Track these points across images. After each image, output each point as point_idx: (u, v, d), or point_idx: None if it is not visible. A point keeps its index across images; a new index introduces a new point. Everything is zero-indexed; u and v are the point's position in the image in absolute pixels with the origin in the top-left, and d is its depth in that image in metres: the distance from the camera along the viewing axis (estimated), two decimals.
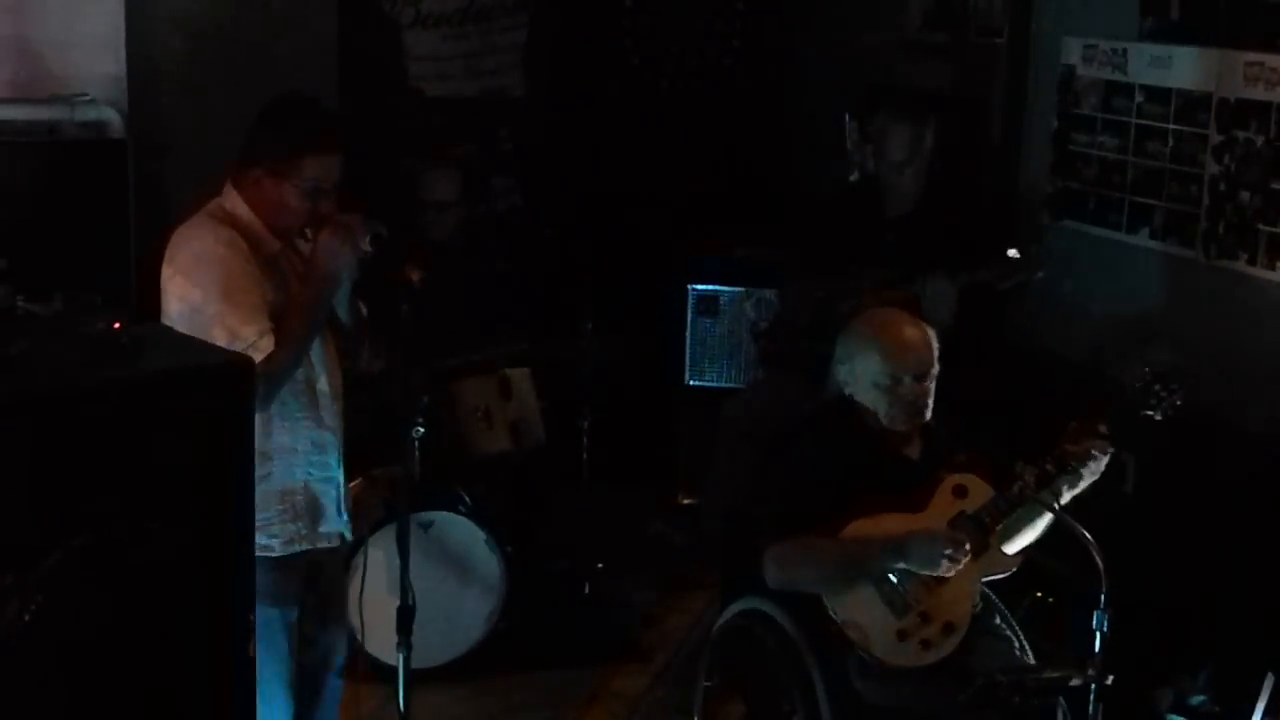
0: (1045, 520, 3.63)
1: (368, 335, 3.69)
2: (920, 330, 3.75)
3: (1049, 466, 3.56)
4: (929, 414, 3.72)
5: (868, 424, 3.74)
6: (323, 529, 3.61)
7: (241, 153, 3.49)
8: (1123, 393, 3.68)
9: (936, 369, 3.72)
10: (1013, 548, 3.66)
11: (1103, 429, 3.62)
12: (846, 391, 3.77)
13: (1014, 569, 3.68)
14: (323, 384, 3.57)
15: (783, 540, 3.63)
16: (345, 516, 3.69)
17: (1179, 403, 3.62)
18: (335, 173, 3.45)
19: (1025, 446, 3.64)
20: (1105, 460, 3.62)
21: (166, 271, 3.41)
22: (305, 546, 3.57)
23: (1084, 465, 3.58)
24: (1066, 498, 3.58)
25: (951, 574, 3.53)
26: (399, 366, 3.60)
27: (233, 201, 3.47)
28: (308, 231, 3.43)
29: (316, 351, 3.51)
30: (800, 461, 3.75)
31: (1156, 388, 3.62)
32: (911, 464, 3.73)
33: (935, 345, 3.74)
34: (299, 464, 3.54)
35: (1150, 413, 3.63)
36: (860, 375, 3.73)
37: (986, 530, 3.58)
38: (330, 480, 3.63)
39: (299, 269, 3.49)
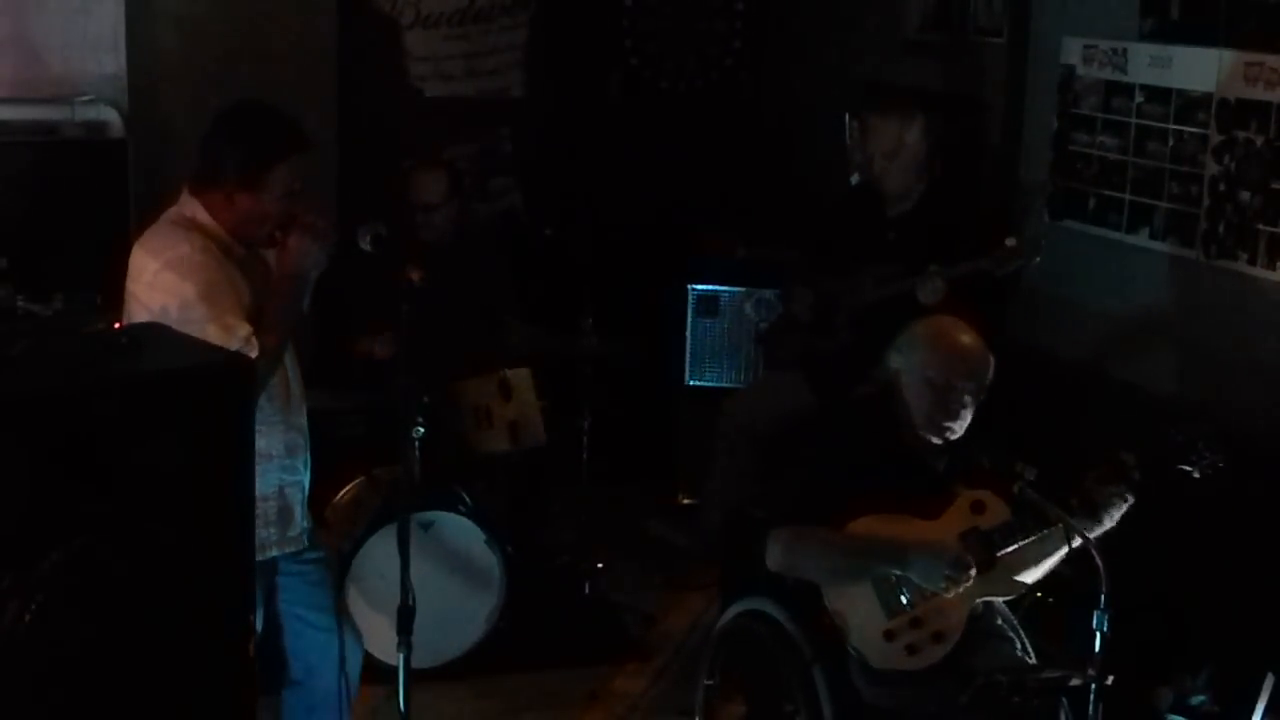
0: (1058, 555, 3.58)
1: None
2: (982, 348, 3.69)
3: (1072, 502, 3.52)
4: (957, 434, 3.67)
5: (900, 424, 3.70)
6: (290, 533, 3.61)
7: (205, 170, 3.46)
8: (1163, 442, 3.61)
9: (983, 396, 3.66)
10: (1022, 576, 3.63)
11: (1129, 472, 3.56)
12: (893, 367, 3.69)
13: (1015, 595, 3.66)
14: (295, 386, 3.57)
15: (791, 523, 3.63)
16: (308, 522, 3.68)
17: (1221, 466, 3.55)
18: (303, 172, 3.45)
19: (1023, 446, 3.63)
20: (1126, 508, 3.57)
21: (151, 267, 3.37)
22: (274, 553, 3.57)
23: (1105, 512, 3.54)
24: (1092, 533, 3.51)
25: (951, 594, 3.51)
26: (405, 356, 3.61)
27: (194, 209, 3.45)
28: (277, 234, 3.44)
29: (288, 353, 3.53)
30: (823, 450, 3.75)
31: (1200, 445, 3.55)
32: (934, 473, 3.69)
33: (991, 371, 3.68)
34: (273, 469, 3.52)
35: (1188, 469, 3.56)
36: (916, 366, 3.65)
37: (995, 549, 3.55)
38: (298, 485, 3.62)
39: (264, 272, 3.50)
